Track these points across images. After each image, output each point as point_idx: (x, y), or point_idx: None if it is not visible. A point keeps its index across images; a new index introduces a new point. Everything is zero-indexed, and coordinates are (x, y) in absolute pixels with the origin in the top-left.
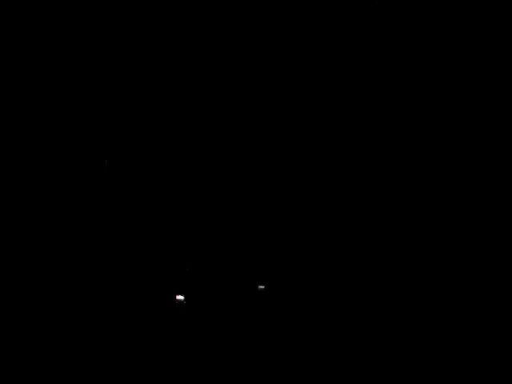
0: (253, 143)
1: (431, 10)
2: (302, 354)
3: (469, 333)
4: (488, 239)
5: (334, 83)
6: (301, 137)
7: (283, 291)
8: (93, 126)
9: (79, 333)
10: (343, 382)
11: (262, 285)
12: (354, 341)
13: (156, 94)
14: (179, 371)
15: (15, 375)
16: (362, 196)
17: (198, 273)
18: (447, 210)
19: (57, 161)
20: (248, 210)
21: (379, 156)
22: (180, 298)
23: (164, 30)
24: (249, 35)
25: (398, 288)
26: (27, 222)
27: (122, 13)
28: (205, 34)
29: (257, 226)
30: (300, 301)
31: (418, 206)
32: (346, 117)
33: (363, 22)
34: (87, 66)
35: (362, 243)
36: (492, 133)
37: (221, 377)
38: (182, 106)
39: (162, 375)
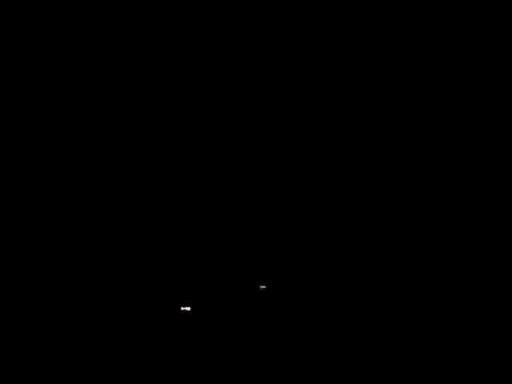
0: (253, 143)
1: (431, 10)
2: (304, 353)
3: (468, 332)
4: (488, 239)
5: (333, 83)
6: (301, 137)
7: (285, 291)
8: (93, 126)
9: (79, 328)
10: (343, 381)
11: (264, 284)
12: (355, 340)
13: (156, 94)
14: (181, 369)
15: (15, 375)
16: (362, 197)
17: (198, 272)
18: (447, 210)
19: (57, 160)
20: (249, 211)
21: (379, 156)
22: (186, 309)
23: (164, 30)
24: (249, 35)
25: (397, 288)
26: (27, 223)
27: (122, 13)
28: (204, 34)
29: (258, 226)
30: (301, 300)
31: (418, 206)
32: (346, 117)
33: (363, 21)
34: (88, 67)
35: (362, 244)
36: (492, 133)
37: (222, 375)
38: (182, 106)
39: (163, 372)
